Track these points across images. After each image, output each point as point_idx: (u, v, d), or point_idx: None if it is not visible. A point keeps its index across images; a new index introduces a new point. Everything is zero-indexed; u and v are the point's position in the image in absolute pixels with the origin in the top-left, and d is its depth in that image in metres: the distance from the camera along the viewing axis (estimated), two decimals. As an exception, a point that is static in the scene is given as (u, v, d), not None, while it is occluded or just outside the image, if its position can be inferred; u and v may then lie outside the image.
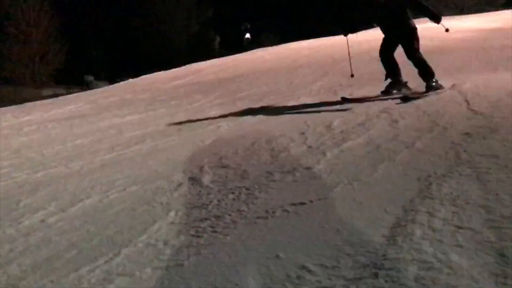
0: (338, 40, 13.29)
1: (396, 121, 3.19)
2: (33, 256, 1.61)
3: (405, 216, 1.58)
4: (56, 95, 14.61)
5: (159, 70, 12.19)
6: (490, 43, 7.53)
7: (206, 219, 1.78)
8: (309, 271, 1.29)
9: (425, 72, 4.62)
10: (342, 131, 3.06)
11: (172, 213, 1.88)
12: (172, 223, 1.78)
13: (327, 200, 1.84)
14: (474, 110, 3.28)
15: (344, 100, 4.52)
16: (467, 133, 2.59)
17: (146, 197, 2.16)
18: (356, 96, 4.73)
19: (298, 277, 1.27)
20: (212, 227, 1.69)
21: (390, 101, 4.32)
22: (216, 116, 4.73)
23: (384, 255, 1.33)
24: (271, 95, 5.82)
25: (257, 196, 2.00)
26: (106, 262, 1.49)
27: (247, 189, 2.11)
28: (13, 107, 8.71)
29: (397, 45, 4.84)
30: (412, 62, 4.70)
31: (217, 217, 1.78)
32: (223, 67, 10.70)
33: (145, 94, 7.67)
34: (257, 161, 2.59)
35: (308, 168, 2.33)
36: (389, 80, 4.83)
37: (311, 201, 1.83)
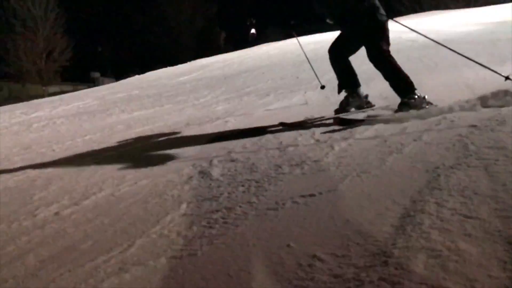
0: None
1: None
2: (50, 247, 1.65)
3: (414, 207, 1.60)
4: (62, 92, 14.73)
5: (165, 66, 12.24)
6: (497, 36, 7.49)
7: (217, 210, 1.81)
8: (320, 259, 1.32)
9: (398, 83, 3.38)
10: (350, 124, 3.08)
11: (183, 205, 1.92)
12: (184, 214, 1.82)
13: (336, 192, 1.86)
14: (481, 103, 3.28)
15: (283, 125, 3.39)
16: (474, 126, 2.60)
17: (158, 190, 2.19)
18: (295, 121, 3.49)
19: (310, 265, 1.30)
20: (223, 218, 1.72)
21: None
22: (223, 111, 4.77)
23: (393, 244, 1.35)
24: (277, 90, 5.84)
25: (267, 188, 2.02)
26: (121, 252, 1.53)
27: (256, 181, 2.14)
28: (22, 104, 8.81)
29: (356, 45, 3.63)
30: (379, 68, 3.43)
31: (228, 208, 1.82)
32: (229, 63, 10.73)
33: (151, 90, 7.72)
34: (265, 154, 2.62)
35: (316, 161, 2.36)
36: (343, 93, 3.73)
37: (321, 193, 1.85)
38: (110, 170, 2.76)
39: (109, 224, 1.82)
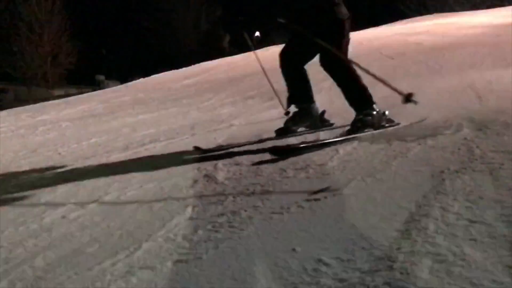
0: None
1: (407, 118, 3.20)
2: (57, 250, 1.67)
3: (419, 211, 1.60)
4: (68, 95, 14.82)
5: (170, 69, 12.29)
6: (503, 39, 7.47)
7: (222, 214, 1.82)
8: (325, 264, 1.33)
9: (354, 94, 2.92)
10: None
11: (189, 209, 1.93)
12: (189, 218, 1.83)
13: (341, 196, 1.87)
14: (487, 106, 3.28)
15: (197, 150, 2.95)
16: (479, 129, 2.60)
17: (163, 194, 2.21)
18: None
19: (315, 269, 1.31)
20: (229, 222, 1.74)
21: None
22: (228, 114, 4.78)
23: (398, 248, 1.36)
24: (281, 93, 5.85)
25: (272, 192, 2.04)
26: (127, 256, 1.54)
27: (261, 185, 2.15)
28: (27, 107, 8.87)
29: (312, 51, 3.01)
30: (333, 76, 2.96)
31: (233, 212, 1.83)
32: (233, 66, 10.75)
33: (156, 93, 7.75)
34: (270, 158, 2.63)
35: (321, 165, 2.36)
36: (294, 108, 3.23)
37: (325, 197, 1.86)
38: (116, 174, 2.78)
39: (115, 227, 1.84)
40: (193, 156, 2.96)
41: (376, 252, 1.35)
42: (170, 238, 1.65)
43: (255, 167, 2.50)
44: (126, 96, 8.03)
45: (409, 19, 17.69)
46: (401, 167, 2.16)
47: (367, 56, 7.92)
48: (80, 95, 10.89)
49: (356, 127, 2.83)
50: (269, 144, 2.93)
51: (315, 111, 3.22)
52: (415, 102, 2.81)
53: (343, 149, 2.60)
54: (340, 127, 3.13)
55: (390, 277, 1.21)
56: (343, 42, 2.95)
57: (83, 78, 28.62)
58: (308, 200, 1.84)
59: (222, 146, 3.09)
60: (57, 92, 25.95)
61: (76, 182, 2.67)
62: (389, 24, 17.22)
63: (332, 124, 3.24)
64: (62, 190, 2.53)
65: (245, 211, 1.83)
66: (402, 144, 2.55)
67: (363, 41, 10.77)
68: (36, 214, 2.10)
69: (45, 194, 2.46)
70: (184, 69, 11.78)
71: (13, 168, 3.28)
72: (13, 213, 2.18)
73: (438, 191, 1.77)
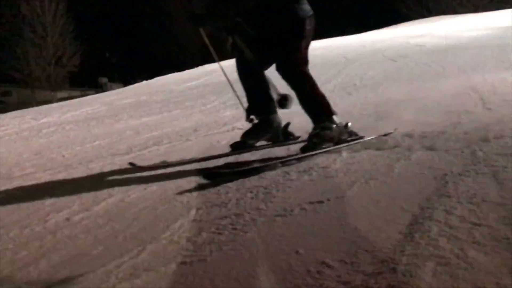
0: (350, 40, 13.29)
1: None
2: (62, 252, 1.68)
3: (422, 214, 1.61)
4: (71, 97, 14.89)
5: (173, 72, 12.32)
6: (506, 41, 7.47)
7: (226, 217, 1.83)
8: (329, 266, 1.33)
9: (313, 104, 2.64)
10: (357, 130, 3.09)
11: (193, 211, 1.94)
12: (193, 220, 1.84)
13: (345, 199, 1.88)
14: (489, 109, 3.29)
15: (132, 166, 2.85)
16: (483, 132, 2.60)
17: (167, 196, 2.22)
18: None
19: (319, 272, 1.31)
20: (232, 224, 1.74)
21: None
22: (231, 116, 4.79)
23: (402, 251, 1.36)
24: (284, 96, 5.86)
25: (275, 195, 2.04)
26: (132, 258, 1.55)
27: (264, 188, 2.15)
28: (31, 109, 8.91)
29: (270, 56, 2.72)
30: (289, 82, 2.63)
31: (237, 215, 1.83)
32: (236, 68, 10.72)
33: (159, 96, 7.77)
34: (274, 160, 2.63)
35: (324, 168, 2.37)
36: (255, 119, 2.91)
37: (329, 200, 1.87)
38: (120, 176, 2.79)
39: (119, 230, 1.84)
40: (197, 157, 2.97)
41: (380, 254, 1.36)
42: (174, 240, 1.66)
43: (258, 169, 2.50)
44: (129, 98, 8.05)
45: (412, 22, 17.69)
46: (404, 170, 2.16)
47: (369, 58, 7.93)
48: (83, 98, 10.93)
49: (313, 143, 2.54)
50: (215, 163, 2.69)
51: (276, 123, 2.89)
52: (286, 106, 2.73)
53: (346, 152, 2.60)
54: (305, 141, 2.78)
55: (393, 279, 1.22)
56: (301, 44, 2.62)
57: (86, 80, 28.74)
58: (311, 203, 1.85)
59: (165, 161, 2.91)
60: (60, 94, 26.07)
61: (80, 184, 2.69)
62: (392, 27, 17.22)
63: (297, 138, 2.90)
64: (66, 193, 2.53)
65: (249, 213, 1.83)
66: (405, 146, 2.55)
67: (365, 44, 10.78)
68: (40, 217, 2.11)
69: (49, 197, 2.47)
70: (187, 71, 11.81)
71: (17, 171, 3.29)
72: (17, 215, 2.19)
73: (442, 194, 1.78)
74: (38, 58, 26.63)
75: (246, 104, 3.02)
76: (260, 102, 2.85)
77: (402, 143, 2.63)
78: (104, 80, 30.46)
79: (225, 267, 1.42)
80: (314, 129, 2.62)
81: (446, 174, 1.99)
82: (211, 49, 3.14)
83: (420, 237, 1.43)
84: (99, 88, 26.82)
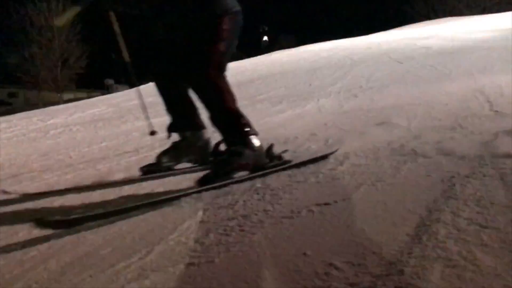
0: (356, 41, 13.28)
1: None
2: (70, 253, 1.69)
3: (429, 216, 1.61)
4: (77, 99, 14.97)
5: (179, 73, 12.34)
6: (513, 43, 7.43)
7: (233, 218, 1.84)
8: (337, 268, 1.33)
9: (223, 122, 2.26)
10: (364, 132, 3.09)
11: (200, 213, 1.95)
12: (201, 222, 1.85)
13: (351, 201, 1.88)
14: (497, 111, 3.28)
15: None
16: (491, 134, 2.59)
17: (174, 197, 2.22)
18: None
19: (326, 273, 1.31)
20: (239, 226, 1.75)
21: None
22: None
23: (409, 253, 1.36)
24: (290, 97, 5.87)
25: (282, 196, 2.05)
26: (140, 258, 1.56)
27: (271, 190, 2.16)
28: (38, 110, 8.99)
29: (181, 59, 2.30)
30: (197, 92, 2.31)
31: (244, 216, 1.84)
32: (241, 70, 10.79)
33: (165, 97, 7.78)
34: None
35: (331, 170, 2.37)
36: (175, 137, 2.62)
37: (336, 202, 1.87)
38: (126, 177, 2.81)
39: (127, 230, 1.86)
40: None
41: (387, 256, 1.36)
42: (182, 241, 1.67)
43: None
44: (135, 100, 8.08)
45: (418, 23, 17.65)
46: (411, 172, 2.16)
47: (376, 60, 7.92)
48: (89, 99, 10.99)
49: (215, 173, 2.11)
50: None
51: (203, 142, 2.48)
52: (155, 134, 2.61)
53: (353, 153, 2.61)
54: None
55: (401, 281, 1.22)
56: (217, 47, 2.19)
57: (93, 82, 28.89)
58: (318, 205, 1.85)
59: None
60: (66, 96, 26.25)
61: (88, 186, 2.71)
62: (398, 28, 17.19)
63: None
64: (73, 194, 2.56)
65: (256, 215, 1.84)
66: (412, 148, 2.55)
67: (372, 46, 10.77)
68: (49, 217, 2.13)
69: (57, 197, 2.49)
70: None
71: (25, 171, 3.32)
72: (26, 217, 2.21)
73: (449, 196, 1.78)
74: (45, 60, 26.84)
75: (155, 118, 2.68)
76: (182, 116, 2.48)
77: (408, 145, 2.63)
78: (110, 82, 30.61)
79: (232, 268, 1.43)
80: (226, 149, 2.18)
81: (453, 177, 1.99)
82: (121, 40, 2.69)
83: (428, 239, 1.43)
84: (105, 90, 26.96)
